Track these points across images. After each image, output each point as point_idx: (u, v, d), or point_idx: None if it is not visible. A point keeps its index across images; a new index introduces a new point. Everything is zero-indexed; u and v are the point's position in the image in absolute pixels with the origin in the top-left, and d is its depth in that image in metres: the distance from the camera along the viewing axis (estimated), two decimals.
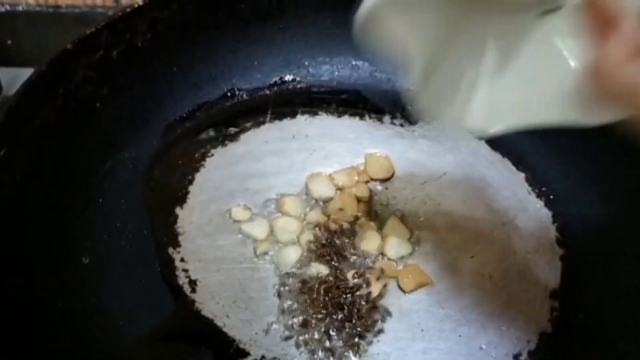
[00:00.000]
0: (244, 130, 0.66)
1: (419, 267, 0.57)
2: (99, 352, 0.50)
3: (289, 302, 0.54)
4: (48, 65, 0.55)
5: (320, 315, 0.53)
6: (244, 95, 0.69)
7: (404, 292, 0.56)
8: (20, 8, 0.79)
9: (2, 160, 0.50)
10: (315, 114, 0.68)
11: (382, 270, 0.56)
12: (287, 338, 0.52)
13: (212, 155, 0.64)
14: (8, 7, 0.79)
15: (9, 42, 0.79)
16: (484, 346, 0.53)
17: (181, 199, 0.60)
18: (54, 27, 0.80)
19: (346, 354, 0.52)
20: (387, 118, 0.69)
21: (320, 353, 0.52)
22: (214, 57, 0.67)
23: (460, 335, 0.53)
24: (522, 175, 0.65)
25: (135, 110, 0.63)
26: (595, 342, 0.53)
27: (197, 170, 0.62)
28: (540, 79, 0.40)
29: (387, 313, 0.54)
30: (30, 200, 0.52)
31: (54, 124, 0.55)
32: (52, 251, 0.53)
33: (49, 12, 0.80)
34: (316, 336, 0.52)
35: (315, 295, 0.54)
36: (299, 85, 0.71)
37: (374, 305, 0.54)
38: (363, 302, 0.54)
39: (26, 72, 0.54)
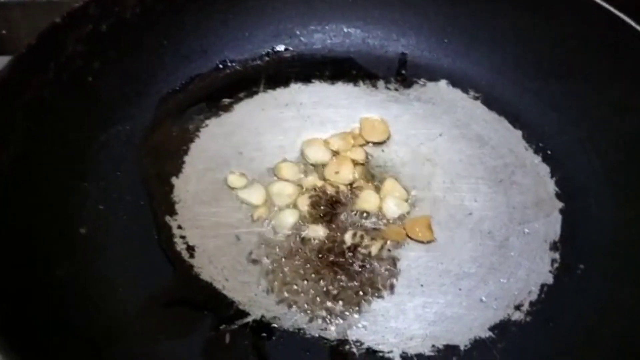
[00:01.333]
0: (238, 100, 0.66)
1: (413, 218, 0.57)
2: (100, 319, 0.50)
3: (288, 264, 0.54)
4: (38, 38, 0.55)
5: (319, 275, 0.53)
6: (236, 67, 0.69)
7: (425, 243, 0.56)
8: None
9: None
10: (308, 81, 0.68)
11: (389, 238, 0.56)
12: (286, 298, 0.52)
13: (207, 125, 0.64)
14: None
15: (4, 32, 0.80)
16: (484, 298, 0.53)
17: (177, 169, 0.60)
18: (48, 16, 0.80)
19: (346, 312, 0.52)
20: (381, 83, 0.69)
21: (320, 312, 0.51)
22: (204, 29, 0.67)
23: (460, 289, 0.53)
24: (519, 132, 0.65)
25: (128, 83, 0.63)
26: (595, 291, 0.53)
27: (191, 140, 0.62)
28: None
29: (387, 271, 0.54)
30: (25, 173, 0.53)
31: (47, 97, 0.56)
32: (47, 222, 0.53)
33: (42, 1, 0.80)
34: (316, 295, 0.52)
35: (314, 256, 0.54)
36: (291, 55, 0.70)
37: (372, 263, 0.54)
38: (362, 262, 0.54)
39: None
